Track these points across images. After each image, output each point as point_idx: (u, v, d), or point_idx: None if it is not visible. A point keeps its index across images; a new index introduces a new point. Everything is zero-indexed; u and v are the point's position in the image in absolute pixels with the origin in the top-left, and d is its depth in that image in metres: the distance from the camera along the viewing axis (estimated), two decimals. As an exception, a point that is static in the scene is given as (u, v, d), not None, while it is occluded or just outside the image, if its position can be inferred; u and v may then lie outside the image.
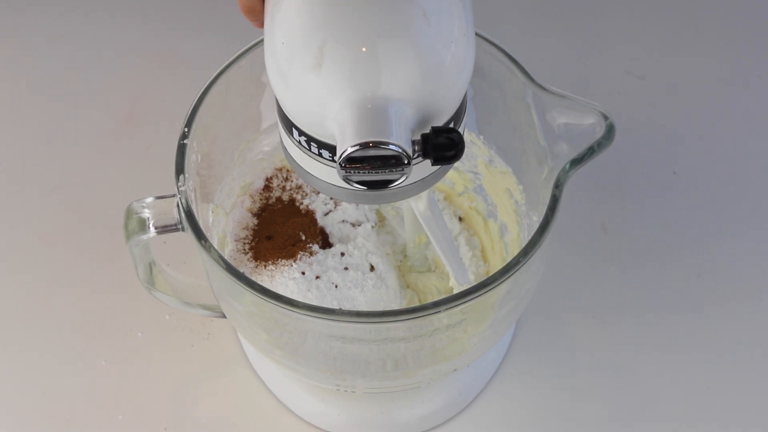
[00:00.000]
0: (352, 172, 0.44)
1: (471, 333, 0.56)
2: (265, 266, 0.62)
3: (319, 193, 0.66)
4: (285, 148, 0.51)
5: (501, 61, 0.58)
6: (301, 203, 0.66)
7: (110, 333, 0.70)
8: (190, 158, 0.57)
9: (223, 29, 0.85)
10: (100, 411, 0.67)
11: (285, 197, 0.66)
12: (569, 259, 0.72)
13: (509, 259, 0.56)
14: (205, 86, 0.58)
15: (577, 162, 0.54)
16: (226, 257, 0.60)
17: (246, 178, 0.66)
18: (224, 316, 0.62)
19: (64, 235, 0.74)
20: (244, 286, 0.52)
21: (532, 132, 0.57)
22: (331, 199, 0.66)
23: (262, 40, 0.53)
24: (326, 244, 0.65)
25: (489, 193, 0.67)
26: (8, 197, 0.76)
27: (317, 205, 0.66)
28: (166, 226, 0.57)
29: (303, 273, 0.62)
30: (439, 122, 0.47)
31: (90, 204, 0.75)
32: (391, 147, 0.43)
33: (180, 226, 0.57)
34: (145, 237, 0.57)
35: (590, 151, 0.54)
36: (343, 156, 0.44)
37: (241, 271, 0.59)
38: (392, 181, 0.45)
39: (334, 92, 0.45)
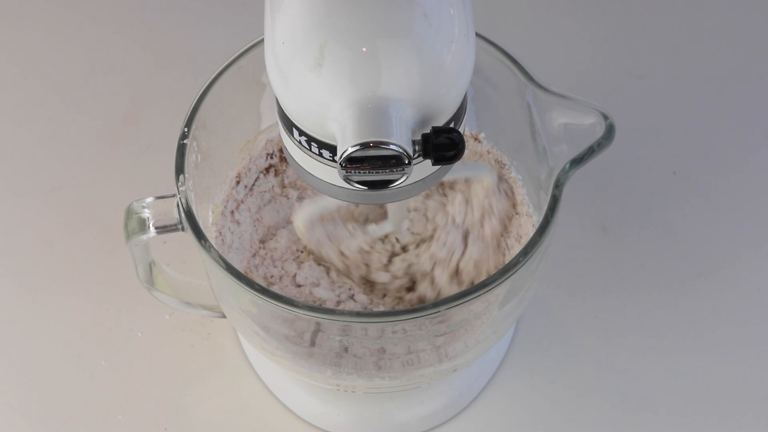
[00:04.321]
0: (352, 172, 0.44)
1: (471, 333, 0.56)
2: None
3: None
4: (285, 148, 0.51)
5: (501, 61, 0.58)
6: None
7: (110, 333, 0.70)
8: (190, 158, 0.57)
9: (223, 29, 0.85)
10: (100, 411, 0.67)
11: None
12: (569, 259, 0.72)
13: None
14: (205, 86, 0.58)
15: (577, 162, 0.54)
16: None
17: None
18: (224, 316, 0.62)
19: (63, 235, 0.74)
20: (244, 286, 0.52)
21: (532, 132, 0.57)
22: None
23: (262, 40, 0.53)
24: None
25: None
26: (8, 197, 0.76)
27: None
28: (166, 226, 0.57)
29: None
30: (440, 122, 0.47)
31: (90, 204, 0.75)
32: (391, 147, 0.43)
33: (180, 226, 0.57)
34: (145, 237, 0.57)
35: (590, 151, 0.54)
36: (344, 156, 0.44)
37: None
38: (393, 181, 0.45)
39: (334, 92, 0.45)
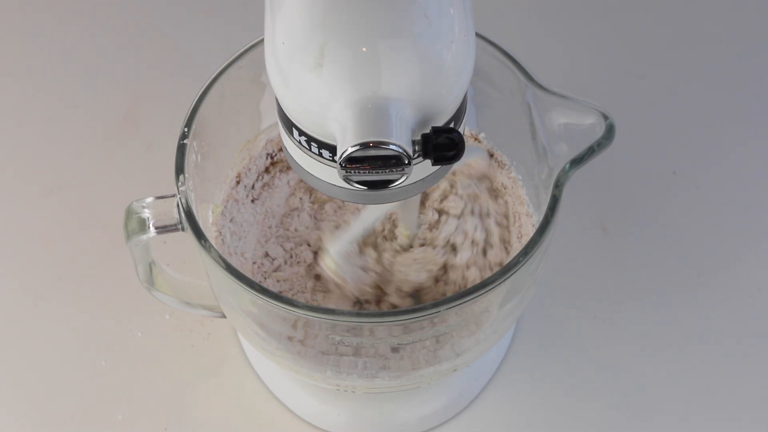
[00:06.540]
0: (352, 172, 0.44)
1: (471, 333, 0.56)
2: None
3: None
4: (285, 148, 0.51)
5: (501, 61, 0.58)
6: None
7: (110, 333, 0.70)
8: (190, 158, 0.57)
9: (223, 29, 0.85)
10: (100, 411, 0.67)
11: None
12: (569, 259, 0.72)
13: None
14: (205, 86, 0.58)
15: (577, 162, 0.54)
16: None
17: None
18: (224, 316, 0.62)
19: (63, 235, 0.74)
20: (244, 286, 0.52)
21: (532, 132, 0.57)
22: None
23: (262, 40, 0.53)
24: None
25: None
26: (8, 197, 0.76)
27: None
28: (166, 226, 0.57)
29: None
30: (440, 122, 0.47)
31: (90, 204, 0.75)
32: (391, 147, 0.43)
33: (180, 226, 0.57)
34: (145, 237, 0.57)
35: (590, 151, 0.54)
36: (344, 156, 0.44)
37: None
38: (393, 181, 0.45)
39: (334, 92, 0.45)
